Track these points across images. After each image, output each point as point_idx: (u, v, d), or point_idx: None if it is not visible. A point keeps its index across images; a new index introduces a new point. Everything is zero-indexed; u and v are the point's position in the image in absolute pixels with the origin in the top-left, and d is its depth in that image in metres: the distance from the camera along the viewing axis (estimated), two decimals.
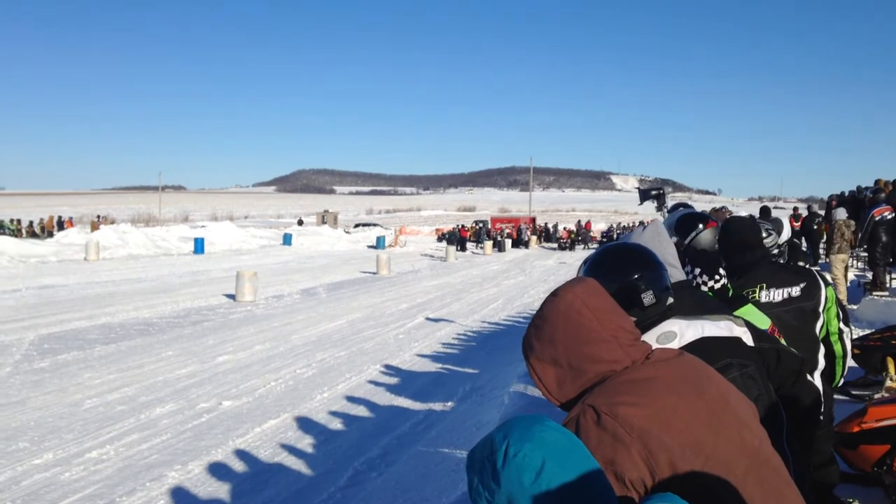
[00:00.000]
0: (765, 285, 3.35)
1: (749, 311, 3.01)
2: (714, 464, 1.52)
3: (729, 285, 3.28)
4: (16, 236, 40.72)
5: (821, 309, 3.39)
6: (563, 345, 1.68)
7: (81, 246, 30.63)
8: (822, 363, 3.37)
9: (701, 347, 2.13)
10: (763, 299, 3.33)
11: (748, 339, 2.32)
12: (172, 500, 5.28)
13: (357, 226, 64.35)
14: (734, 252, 3.47)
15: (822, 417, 3.20)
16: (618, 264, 2.18)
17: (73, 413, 7.40)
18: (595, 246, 48.25)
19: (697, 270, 3.08)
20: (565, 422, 1.59)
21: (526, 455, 1.23)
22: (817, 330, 3.39)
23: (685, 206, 4.64)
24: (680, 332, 2.20)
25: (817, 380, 3.30)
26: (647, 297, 2.14)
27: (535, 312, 1.81)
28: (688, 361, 1.75)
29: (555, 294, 1.77)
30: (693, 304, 2.41)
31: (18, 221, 52.65)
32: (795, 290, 3.36)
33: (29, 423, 7.02)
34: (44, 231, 50.33)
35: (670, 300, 2.20)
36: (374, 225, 63.89)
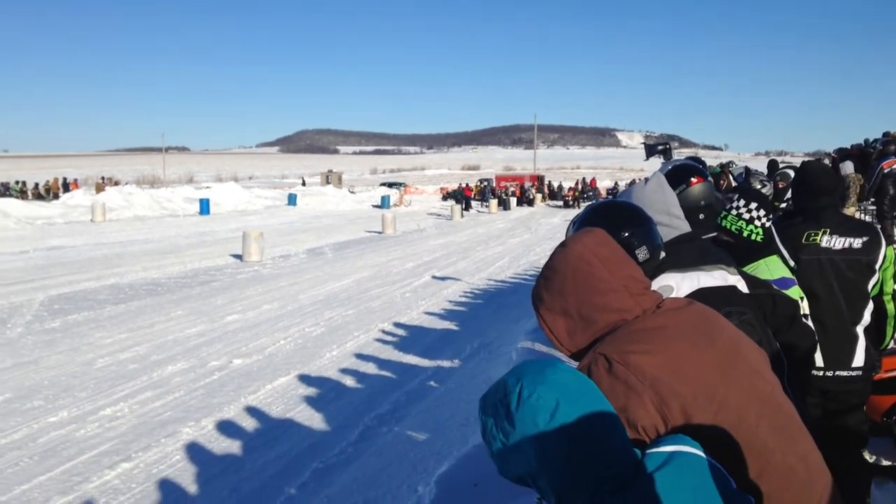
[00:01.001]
0: (828, 230, 3.42)
1: (773, 261, 3.03)
2: (726, 411, 1.53)
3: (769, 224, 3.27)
4: (22, 198, 40.75)
5: (877, 266, 3.42)
6: (573, 295, 1.69)
7: (87, 207, 30.70)
8: (867, 318, 3.43)
9: (699, 299, 2.15)
10: (823, 244, 3.41)
11: (743, 287, 2.35)
12: (187, 456, 5.36)
13: (382, 184, 64.23)
14: (808, 195, 3.55)
15: (861, 373, 3.28)
16: (608, 222, 2.16)
17: (85, 372, 7.48)
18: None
19: (754, 205, 3.09)
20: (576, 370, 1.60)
21: (540, 396, 1.25)
22: (869, 286, 3.44)
23: (696, 160, 4.58)
24: (676, 285, 2.22)
25: (860, 334, 3.34)
26: (641, 254, 2.14)
27: (544, 264, 1.81)
28: (698, 310, 1.76)
29: (564, 245, 1.77)
30: (694, 255, 2.42)
31: (24, 183, 52.70)
32: (857, 243, 3.41)
33: (43, 382, 7.10)
34: (49, 193, 50.33)
35: (663, 255, 2.20)
36: (401, 184, 64.39)
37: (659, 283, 2.19)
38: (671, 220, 2.47)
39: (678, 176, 3.23)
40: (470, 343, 8.89)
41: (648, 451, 1.29)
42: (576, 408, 1.25)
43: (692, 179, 3.26)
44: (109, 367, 7.65)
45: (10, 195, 43.94)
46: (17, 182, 53.72)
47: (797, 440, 1.63)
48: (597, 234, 1.77)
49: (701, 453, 1.30)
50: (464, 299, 12.24)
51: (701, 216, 3.09)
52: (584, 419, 1.24)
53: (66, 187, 51.44)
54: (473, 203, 46.57)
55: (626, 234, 2.12)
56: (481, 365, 7.87)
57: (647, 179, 2.88)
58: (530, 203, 49.30)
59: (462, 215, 35.97)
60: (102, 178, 64.71)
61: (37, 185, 54.42)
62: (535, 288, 1.79)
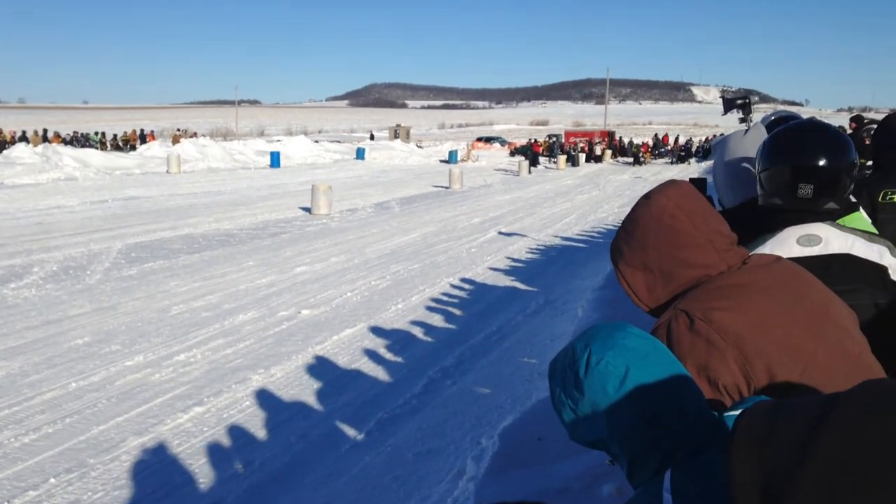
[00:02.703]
0: None
1: (855, 219, 2.87)
2: (813, 371, 1.47)
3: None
4: (101, 149, 42.08)
5: None
6: (654, 250, 1.63)
7: (163, 159, 31.45)
8: None
9: (841, 262, 2.04)
10: None
11: (894, 274, 2.14)
12: (256, 402, 5.51)
13: (480, 139, 64.70)
14: (887, 149, 3.32)
15: None
16: (805, 142, 2.10)
17: (160, 318, 7.73)
18: (673, 160, 46.90)
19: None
20: (655, 327, 1.56)
21: (609, 363, 1.20)
22: None
23: (792, 116, 4.37)
24: (826, 238, 2.08)
25: None
26: (804, 190, 2.04)
27: (625, 217, 1.75)
28: (786, 267, 1.68)
29: (646, 197, 1.70)
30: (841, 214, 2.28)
31: (103, 135, 54.35)
32: None
33: (120, 328, 7.37)
34: (127, 144, 51.81)
35: (831, 204, 2.09)
36: (497, 139, 65.05)
37: (808, 230, 2.09)
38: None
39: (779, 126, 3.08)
40: (535, 299, 8.84)
41: (726, 414, 1.24)
42: (646, 373, 1.20)
43: None
44: (183, 315, 7.89)
45: (91, 146, 45.49)
46: (96, 133, 55.49)
47: None
48: (681, 186, 1.70)
49: None
50: (529, 256, 12.16)
51: None
52: (655, 385, 1.19)
53: (143, 139, 52.82)
54: (541, 159, 45.97)
55: (817, 164, 2.05)
56: (546, 321, 7.83)
57: (746, 130, 2.75)
58: (597, 160, 48.42)
59: (529, 171, 35.62)
60: (178, 130, 66.26)
61: (115, 136, 56.05)
62: (615, 241, 1.74)
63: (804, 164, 2.08)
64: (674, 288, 1.63)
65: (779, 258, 1.74)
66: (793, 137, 2.16)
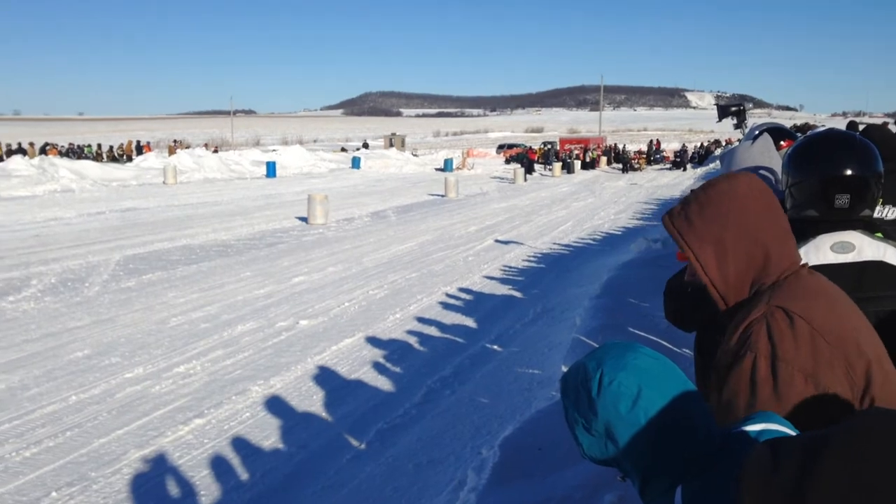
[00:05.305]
0: (881, 200, 3.18)
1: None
2: (891, 376, 1.49)
3: None
4: (97, 160, 41.97)
5: None
6: (736, 228, 1.56)
7: (160, 170, 31.41)
8: None
9: (875, 270, 2.05)
10: (875, 214, 3.19)
11: None
12: (257, 413, 5.53)
13: (501, 146, 65.01)
14: None
15: None
16: (836, 153, 2.11)
17: (160, 330, 7.75)
18: (668, 166, 46.99)
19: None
20: (748, 321, 1.51)
21: (621, 383, 1.22)
22: None
23: (779, 126, 4.41)
24: (859, 246, 2.10)
25: None
26: (841, 200, 2.07)
27: (689, 194, 1.70)
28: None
29: (727, 178, 1.65)
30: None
31: (99, 146, 54.21)
32: None
33: (119, 340, 7.38)
34: (123, 156, 51.69)
35: (867, 212, 2.12)
36: (520, 146, 64.31)
37: (842, 238, 2.10)
38: (777, 185, 2.38)
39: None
40: (533, 307, 8.87)
41: (734, 430, 1.27)
42: (658, 394, 1.23)
43: (781, 143, 3.13)
44: (182, 326, 7.91)
45: (87, 158, 45.39)
46: (89, 146, 55.38)
47: None
48: (759, 179, 1.66)
49: (791, 431, 1.26)
50: (526, 263, 12.19)
51: None
52: (666, 405, 1.22)
53: (140, 150, 52.69)
54: (536, 166, 45.94)
55: (847, 174, 2.08)
56: (544, 329, 7.86)
57: (753, 140, 2.79)
58: (592, 166, 48.36)
59: (525, 179, 35.65)
60: (174, 141, 66.19)
61: (111, 147, 55.89)
62: (683, 210, 1.65)
63: (839, 174, 2.10)
64: (748, 274, 1.58)
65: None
66: (824, 149, 2.17)
